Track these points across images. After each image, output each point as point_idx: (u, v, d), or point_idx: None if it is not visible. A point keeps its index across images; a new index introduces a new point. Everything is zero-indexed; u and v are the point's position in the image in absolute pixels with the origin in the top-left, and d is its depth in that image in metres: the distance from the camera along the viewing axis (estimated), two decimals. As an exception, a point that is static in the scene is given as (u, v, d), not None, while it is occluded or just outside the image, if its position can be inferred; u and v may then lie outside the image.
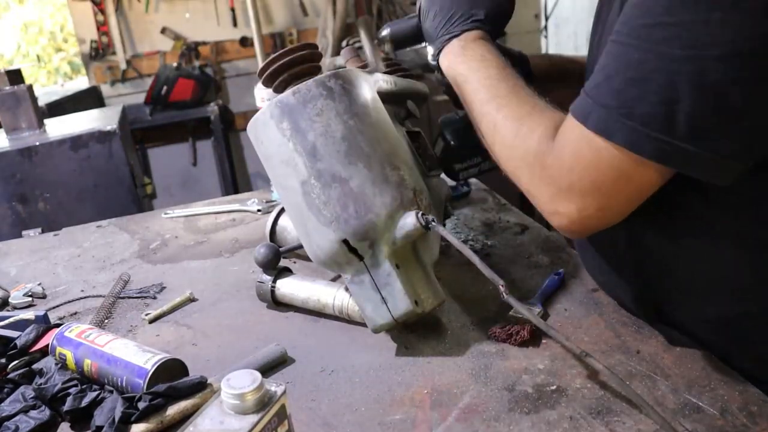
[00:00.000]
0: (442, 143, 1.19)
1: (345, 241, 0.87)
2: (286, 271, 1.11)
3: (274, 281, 1.09)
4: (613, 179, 0.74)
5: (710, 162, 0.68)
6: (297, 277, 1.09)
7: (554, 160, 0.79)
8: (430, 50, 1.07)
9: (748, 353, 0.84)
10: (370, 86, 0.97)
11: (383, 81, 1.04)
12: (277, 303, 1.09)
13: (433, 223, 0.88)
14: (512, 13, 1.02)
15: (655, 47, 0.68)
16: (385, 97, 1.02)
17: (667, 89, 0.67)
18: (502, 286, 0.85)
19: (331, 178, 0.87)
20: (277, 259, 1.10)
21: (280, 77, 0.93)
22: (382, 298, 0.89)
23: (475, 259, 0.86)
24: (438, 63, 1.00)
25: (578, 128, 0.75)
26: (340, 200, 0.86)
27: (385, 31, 1.06)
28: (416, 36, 1.06)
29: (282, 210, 1.27)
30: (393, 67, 1.17)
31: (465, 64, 0.95)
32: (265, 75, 0.94)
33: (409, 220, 0.87)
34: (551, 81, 1.13)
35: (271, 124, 0.90)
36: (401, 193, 0.88)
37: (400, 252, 0.91)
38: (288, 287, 1.07)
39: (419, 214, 0.87)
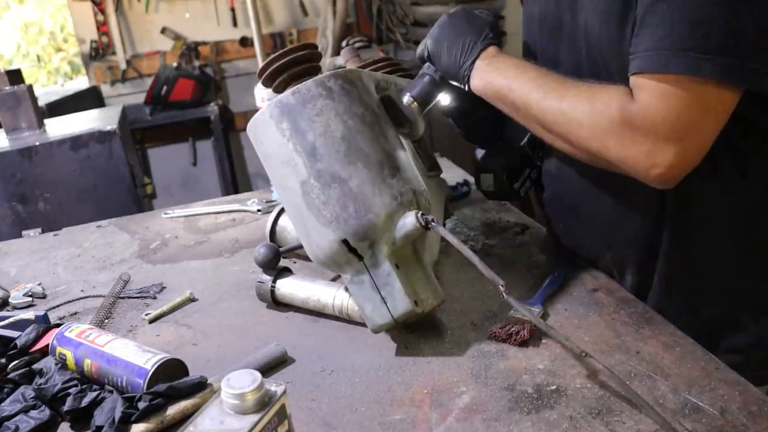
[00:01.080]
0: (491, 176, 1.21)
1: (345, 241, 0.87)
2: (286, 271, 1.11)
3: (274, 281, 1.09)
4: (701, 113, 0.84)
5: None
6: (297, 277, 1.09)
7: (644, 119, 0.85)
8: (444, 99, 1.11)
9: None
10: (370, 86, 0.97)
11: (383, 81, 1.04)
12: (277, 303, 1.09)
13: (433, 223, 0.88)
14: None
15: None
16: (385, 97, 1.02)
17: (731, 21, 0.80)
18: (502, 286, 0.85)
19: (331, 178, 0.87)
20: (277, 259, 1.10)
21: (279, 77, 0.93)
22: (382, 298, 0.89)
23: (475, 259, 0.86)
24: (467, 87, 1.04)
25: (660, 80, 0.83)
26: (339, 200, 0.86)
27: (406, 98, 1.06)
28: (435, 88, 1.09)
29: (282, 210, 1.27)
30: (393, 67, 1.17)
31: (501, 76, 1.00)
32: (264, 75, 0.94)
33: (408, 220, 0.87)
34: None
35: (271, 124, 0.90)
36: (401, 193, 0.88)
37: (400, 252, 0.91)
38: (288, 287, 1.07)
39: (419, 214, 0.87)
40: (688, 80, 0.82)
